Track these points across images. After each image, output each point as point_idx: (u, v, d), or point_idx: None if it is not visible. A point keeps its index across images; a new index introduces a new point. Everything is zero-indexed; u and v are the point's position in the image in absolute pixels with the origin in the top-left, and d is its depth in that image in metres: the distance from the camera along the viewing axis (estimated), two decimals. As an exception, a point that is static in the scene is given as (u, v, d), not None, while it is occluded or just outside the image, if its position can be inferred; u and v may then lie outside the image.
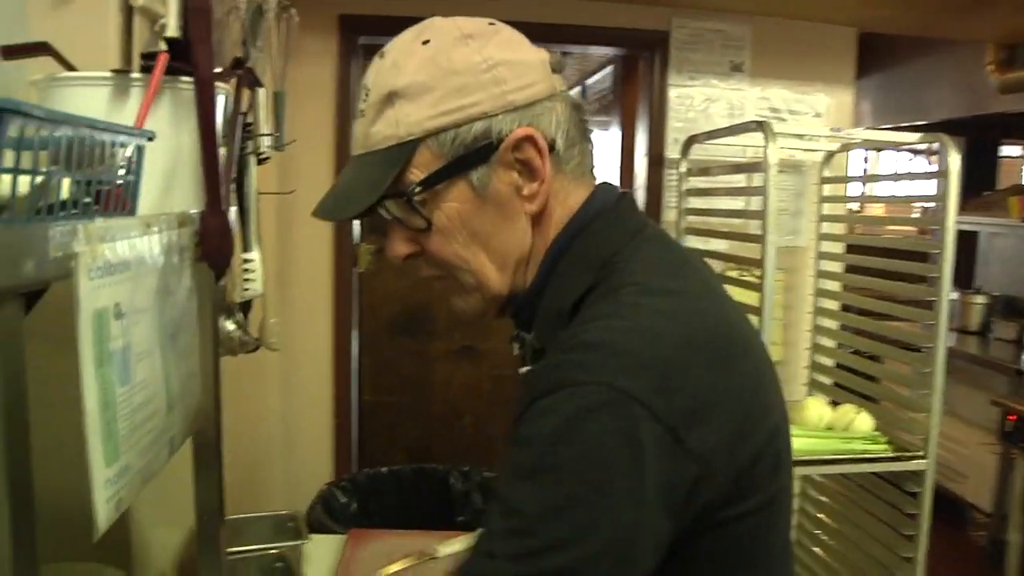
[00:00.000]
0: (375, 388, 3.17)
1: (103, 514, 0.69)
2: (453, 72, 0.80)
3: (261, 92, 1.60)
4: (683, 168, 2.96)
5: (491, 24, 0.85)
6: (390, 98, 0.81)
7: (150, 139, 0.79)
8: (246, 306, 1.67)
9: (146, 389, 0.78)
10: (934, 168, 2.43)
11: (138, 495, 0.78)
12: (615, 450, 0.67)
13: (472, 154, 0.80)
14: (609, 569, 0.68)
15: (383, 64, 0.84)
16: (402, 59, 0.82)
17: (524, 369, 0.88)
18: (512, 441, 0.72)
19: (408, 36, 0.85)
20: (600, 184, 0.90)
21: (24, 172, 0.58)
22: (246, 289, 1.60)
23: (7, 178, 0.58)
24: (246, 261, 1.59)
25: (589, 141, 0.89)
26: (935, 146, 2.46)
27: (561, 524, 0.67)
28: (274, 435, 2.78)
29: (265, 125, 1.66)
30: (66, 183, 0.65)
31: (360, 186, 0.83)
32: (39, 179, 0.61)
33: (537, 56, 0.84)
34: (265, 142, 1.58)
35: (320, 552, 1.79)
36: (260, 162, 1.71)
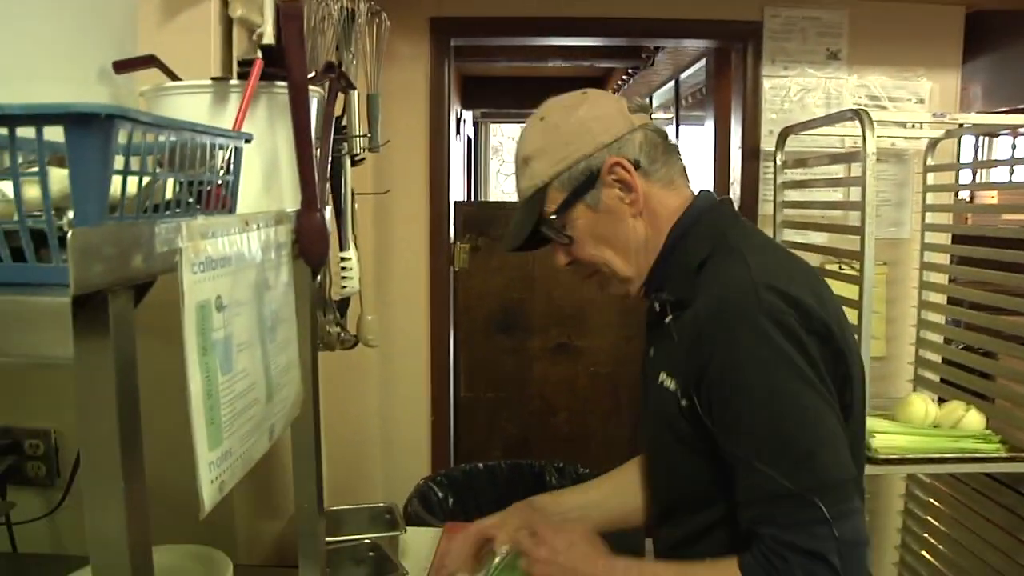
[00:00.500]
0: (472, 385, 3.22)
1: (208, 495, 0.73)
2: (558, 134, 1.18)
3: (355, 95, 1.65)
4: (779, 160, 2.91)
5: (583, 93, 1.22)
6: (526, 161, 1.21)
7: (247, 141, 0.84)
8: (344, 303, 1.72)
9: (246, 378, 0.83)
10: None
11: (239, 479, 0.82)
12: (792, 348, 1.00)
13: (582, 184, 1.16)
14: (830, 433, 1.02)
15: (520, 140, 1.24)
16: (529, 134, 1.22)
17: (669, 318, 1.17)
18: (712, 366, 1.05)
19: (533, 117, 1.23)
20: (701, 191, 1.23)
21: (132, 173, 0.62)
22: (344, 287, 1.66)
23: (117, 180, 0.62)
24: (343, 259, 1.65)
25: (673, 155, 1.21)
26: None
27: (786, 418, 1.01)
28: (373, 431, 2.86)
29: (359, 127, 1.71)
30: (170, 184, 0.70)
31: (522, 222, 1.21)
32: (146, 180, 0.65)
33: (616, 106, 1.20)
34: (359, 143, 1.63)
35: (417, 543, 1.83)
36: (355, 163, 1.76)
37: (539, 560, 1.17)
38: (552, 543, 1.17)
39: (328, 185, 1.46)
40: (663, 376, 1.15)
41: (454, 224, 3.06)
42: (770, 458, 1.01)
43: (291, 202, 1.05)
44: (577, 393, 3.24)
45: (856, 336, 2.16)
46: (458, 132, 5.11)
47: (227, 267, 0.78)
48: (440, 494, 2.44)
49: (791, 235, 2.87)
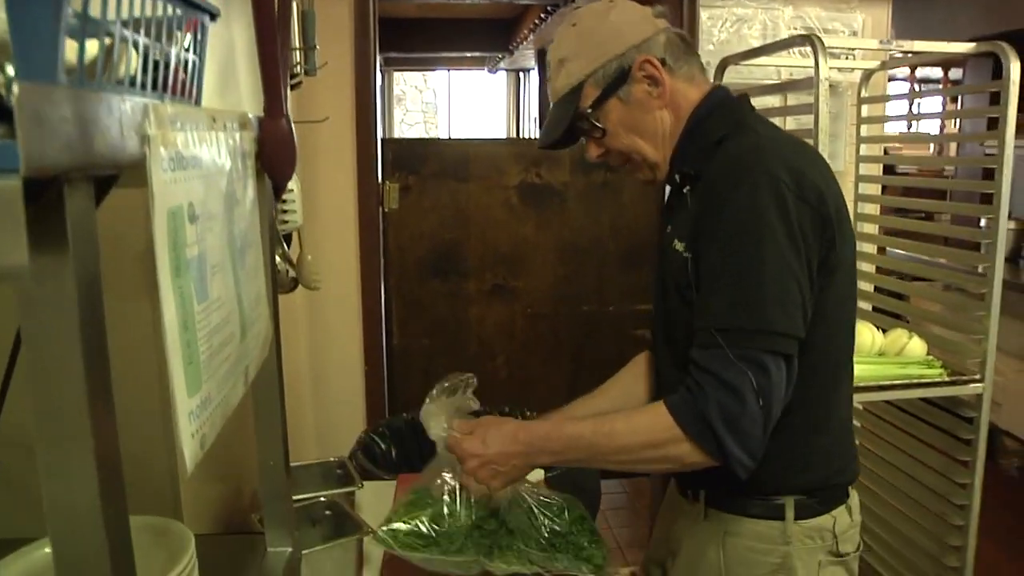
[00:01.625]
0: (405, 331, 3.06)
1: (189, 452, 0.59)
2: (592, 37, 1.29)
3: (292, 7, 1.48)
4: (716, 92, 2.82)
5: (611, 2, 1.32)
6: (561, 63, 1.31)
7: (213, 17, 0.68)
8: (286, 241, 1.56)
9: (221, 308, 0.68)
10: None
11: (217, 432, 0.68)
12: (775, 212, 1.11)
13: (615, 81, 1.27)
14: (783, 290, 1.12)
15: (554, 45, 1.33)
16: (563, 39, 1.32)
17: (687, 189, 1.27)
18: (707, 216, 1.17)
19: (564, 24, 1.33)
20: (718, 85, 1.35)
21: (91, 34, 0.47)
22: (285, 221, 1.50)
23: (73, 43, 0.46)
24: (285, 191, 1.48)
25: (692, 54, 1.33)
26: (951, 73, 2.33)
27: (744, 267, 1.12)
28: (303, 383, 2.69)
29: (296, 43, 1.54)
30: (135, 55, 0.54)
31: (558, 119, 1.32)
32: (107, 42, 0.49)
33: (642, 12, 1.31)
34: (298, 57, 1.46)
35: (371, 498, 1.71)
36: (293, 87, 1.59)
37: (468, 455, 1.27)
38: (479, 438, 1.28)
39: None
40: (676, 242, 1.26)
41: (382, 163, 2.88)
42: (718, 296, 1.14)
43: (250, 108, 0.89)
44: (515, 336, 3.13)
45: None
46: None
47: (198, 169, 0.63)
48: (383, 446, 2.30)
49: (730, 168, 2.80)
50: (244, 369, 0.77)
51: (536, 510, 1.41)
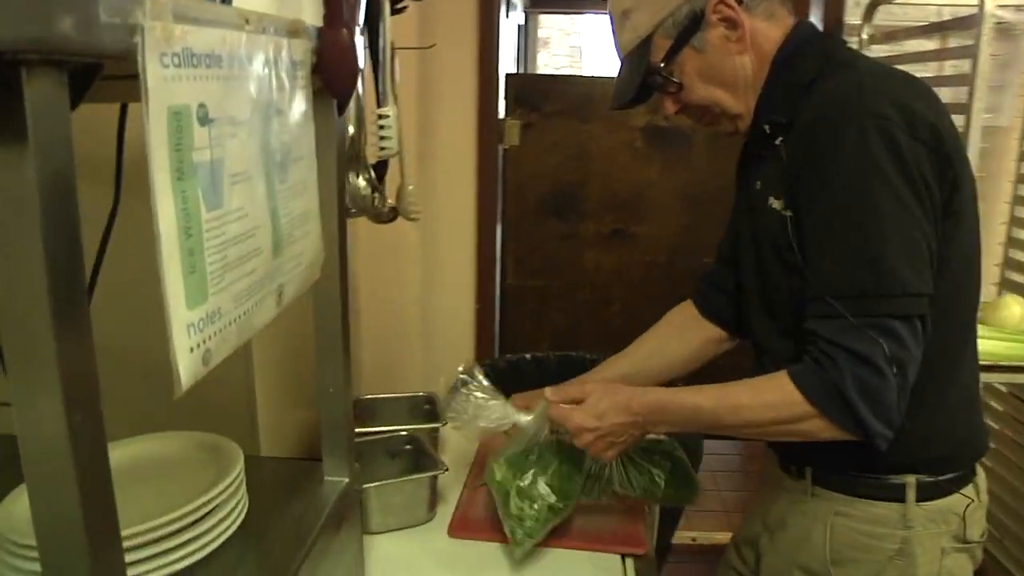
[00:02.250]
0: (519, 272, 3.02)
1: (185, 367, 0.56)
2: None
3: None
4: (865, 35, 2.61)
5: None
6: (625, 15, 1.20)
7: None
8: (381, 169, 1.53)
9: (243, 220, 0.64)
10: None
11: (233, 349, 0.65)
12: (888, 156, 0.99)
13: (687, 28, 1.15)
14: (907, 245, 1.00)
15: None
16: None
17: (779, 140, 1.15)
18: (808, 168, 1.07)
19: None
20: (802, 20, 1.21)
21: None
22: (382, 148, 1.46)
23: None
24: (380, 117, 1.45)
25: None
26: None
27: (861, 223, 1.01)
28: (412, 316, 2.70)
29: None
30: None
31: (629, 78, 1.22)
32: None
33: None
34: (399, -22, 1.41)
35: (458, 437, 1.69)
36: (395, 11, 1.54)
37: (582, 430, 1.21)
38: (592, 411, 1.21)
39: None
40: (771, 200, 1.14)
41: (505, 98, 2.81)
42: (833, 258, 1.04)
43: (311, 18, 0.84)
44: (632, 283, 3.03)
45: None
46: (507, 14, 4.76)
47: (216, 68, 0.59)
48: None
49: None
50: (277, 288, 0.73)
51: (638, 461, 1.39)
